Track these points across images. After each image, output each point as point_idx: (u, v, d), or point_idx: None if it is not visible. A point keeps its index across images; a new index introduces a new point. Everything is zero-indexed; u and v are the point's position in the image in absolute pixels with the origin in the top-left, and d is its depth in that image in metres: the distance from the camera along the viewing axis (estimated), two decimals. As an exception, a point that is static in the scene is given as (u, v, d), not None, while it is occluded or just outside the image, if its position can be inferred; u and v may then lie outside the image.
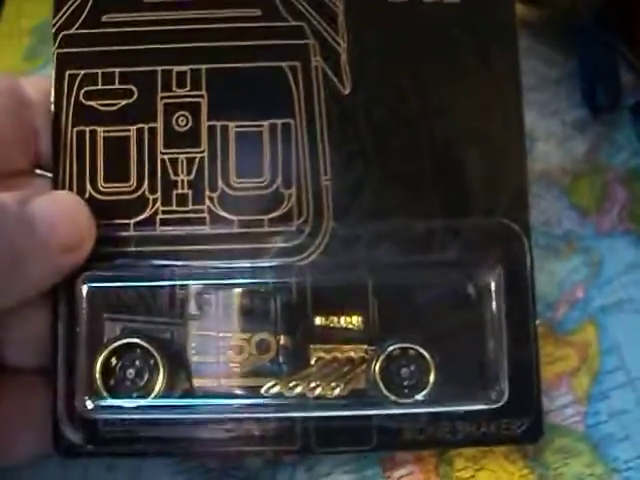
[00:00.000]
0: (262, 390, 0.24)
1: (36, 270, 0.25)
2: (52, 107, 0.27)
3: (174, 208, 0.26)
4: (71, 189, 0.27)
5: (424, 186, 0.26)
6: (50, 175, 0.28)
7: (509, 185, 0.27)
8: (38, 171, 0.29)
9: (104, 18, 0.27)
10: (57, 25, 0.27)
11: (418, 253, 0.25)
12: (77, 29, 0.27)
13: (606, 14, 0.40)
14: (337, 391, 0.24)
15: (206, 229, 0.26)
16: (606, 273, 0.34)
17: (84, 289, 0.26)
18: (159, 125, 0.26)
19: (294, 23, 0.26)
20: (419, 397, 0.25)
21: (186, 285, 0.26)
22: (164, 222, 0.26)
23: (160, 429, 0.26)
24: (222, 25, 0.27)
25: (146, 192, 0.26)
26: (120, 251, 0.26)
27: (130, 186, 0.26)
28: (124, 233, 0.26)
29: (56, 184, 0.27)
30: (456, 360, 0.25)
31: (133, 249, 0.26)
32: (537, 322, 0.27)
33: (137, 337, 0.25)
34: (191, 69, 0.26)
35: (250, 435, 0.26)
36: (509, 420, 0.27)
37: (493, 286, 0.25)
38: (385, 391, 0.25)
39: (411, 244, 0.25)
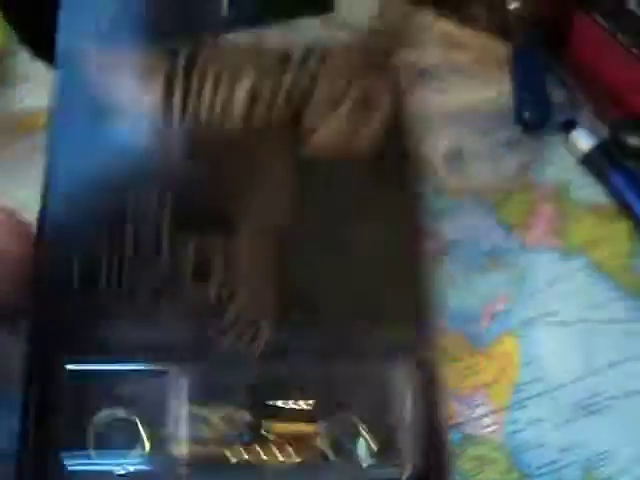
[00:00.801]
0: (232, 459, 0.26)
1: None
2: None
3: None
4: None
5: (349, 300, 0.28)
6: None
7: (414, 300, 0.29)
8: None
9: None
10: None
11: (342, 351, 0.27)
12: None
13: (540, 34, 0.41)
14: (295, 460, 0.26)
15: None
16: (529, 287, 0.35)
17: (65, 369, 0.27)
18: None
19: None
20: (359, 461, 0.27)
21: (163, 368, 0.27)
22: None
23: None
24: None
25: None
26: None
27: None
28: None
29: None
30: (385, 434, 0.27)
31: None
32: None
33: (121, 408, 0.26)
34: None
35: None
36: None
37: (408, 384, 0.27)
38: (333, 457, 0.27)
39: (335, 345, 0.27)
